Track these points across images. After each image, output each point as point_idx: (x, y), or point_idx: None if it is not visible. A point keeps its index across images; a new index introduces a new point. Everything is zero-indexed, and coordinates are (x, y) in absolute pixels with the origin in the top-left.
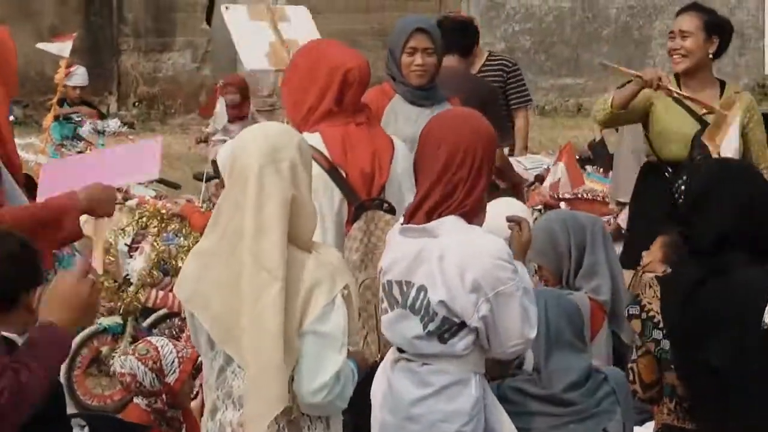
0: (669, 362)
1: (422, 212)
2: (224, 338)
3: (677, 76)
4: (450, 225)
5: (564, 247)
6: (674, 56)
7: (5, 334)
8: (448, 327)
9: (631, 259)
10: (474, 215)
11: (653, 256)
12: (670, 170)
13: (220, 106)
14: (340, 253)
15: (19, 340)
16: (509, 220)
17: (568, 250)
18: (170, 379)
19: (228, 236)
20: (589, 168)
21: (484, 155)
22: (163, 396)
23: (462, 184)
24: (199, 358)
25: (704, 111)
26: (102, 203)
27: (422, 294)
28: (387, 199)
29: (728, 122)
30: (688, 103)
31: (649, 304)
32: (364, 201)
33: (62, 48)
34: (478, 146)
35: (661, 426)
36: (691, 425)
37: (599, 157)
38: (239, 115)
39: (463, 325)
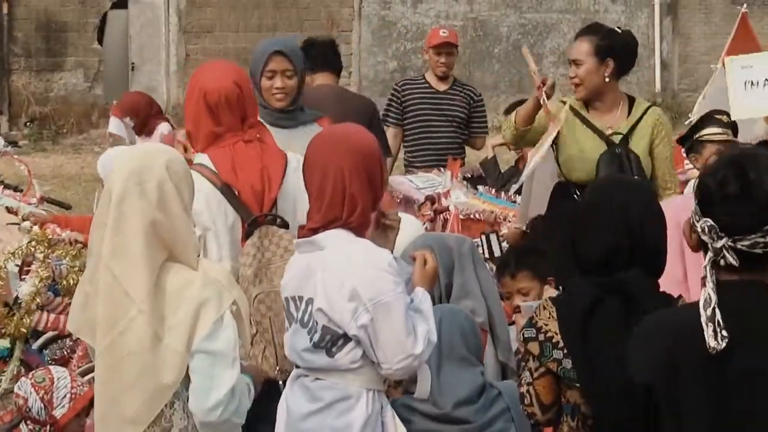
0: (572, 381)
1: (307, 231)
2: None
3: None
4: (335, 237)
5: None
6: (572, 84)
7: None
8: (330, 337)
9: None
10: (363, 229)
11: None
12: (578, 192)
13: (118, 128)
14: (227, 270)
15: None
16: (411, 257)
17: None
18: (57, 413)
19: (96, 260)
20: (480, 188)
21: (353, 172)
22: (48, 427)
23: (339, 206)
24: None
25: (610, 131)
26: None
27: (310, 307)
28: (280, 214)
29: (548, 133)
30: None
31: (546, 325)
32: (257, 217)
33: None
34: (344, 165)
35: None
36: None
37: (490, 175)
38: (145, 132)
39: (347, 337)
